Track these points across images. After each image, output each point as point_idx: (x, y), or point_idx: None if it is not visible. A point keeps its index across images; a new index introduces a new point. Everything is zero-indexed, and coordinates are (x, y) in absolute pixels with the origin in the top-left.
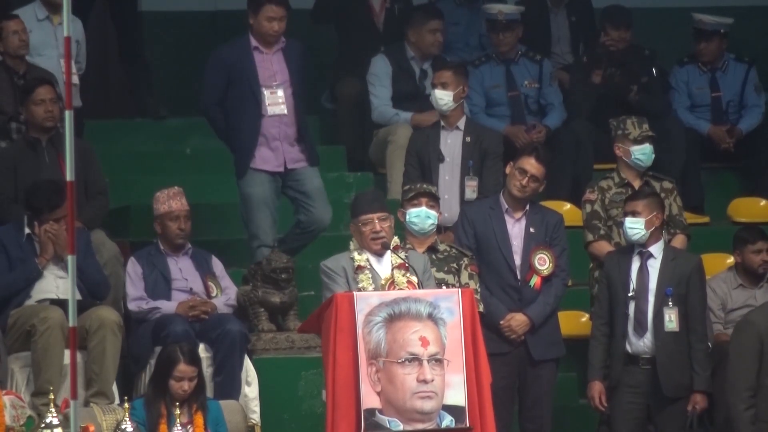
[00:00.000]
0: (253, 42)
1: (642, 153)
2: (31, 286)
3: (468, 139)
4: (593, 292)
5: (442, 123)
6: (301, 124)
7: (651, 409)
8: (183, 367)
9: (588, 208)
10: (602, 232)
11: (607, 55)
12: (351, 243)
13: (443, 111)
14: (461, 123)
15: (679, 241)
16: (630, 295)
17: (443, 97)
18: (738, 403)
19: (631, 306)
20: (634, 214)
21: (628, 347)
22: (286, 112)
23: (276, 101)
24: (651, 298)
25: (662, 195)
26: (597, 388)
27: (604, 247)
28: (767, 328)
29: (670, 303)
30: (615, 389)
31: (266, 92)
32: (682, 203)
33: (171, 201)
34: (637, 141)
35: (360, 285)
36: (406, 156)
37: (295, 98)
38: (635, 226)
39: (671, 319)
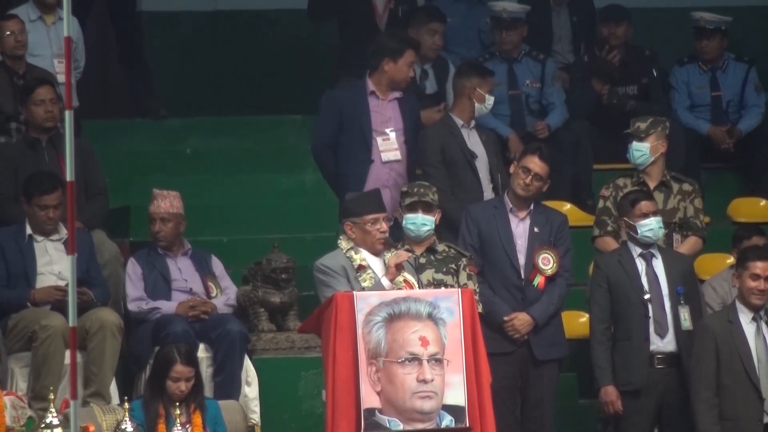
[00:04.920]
0: (370, 87)
1: (629, 151)
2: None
3: (484, 137)
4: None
5: (460, 121)
6: (411, 175)
7: (662, 409)
8: (180, 368)
9: (600, 203)
10: (609, 228)
11: (608, 54)
12: (342, 242)
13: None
14: (472, 122)
15: (691, 242)
16: (647, 297)
17: (641, 149)
18: (698, 403)
19: (650, 308)
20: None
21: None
22: (400, 157)
23: (389, 147)
24: (666, 299)
25: (680, 197)
26: (613, 393)
27: (609, 244)
28: (721, 330)
29: (682, 301)
30: (635, 392)
31: (378, 139)
32: (701, 206)
33: (151, 203)
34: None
35: (363, 284)
36: (429, 153)
37: (408, 147)
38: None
39: (685, 318)
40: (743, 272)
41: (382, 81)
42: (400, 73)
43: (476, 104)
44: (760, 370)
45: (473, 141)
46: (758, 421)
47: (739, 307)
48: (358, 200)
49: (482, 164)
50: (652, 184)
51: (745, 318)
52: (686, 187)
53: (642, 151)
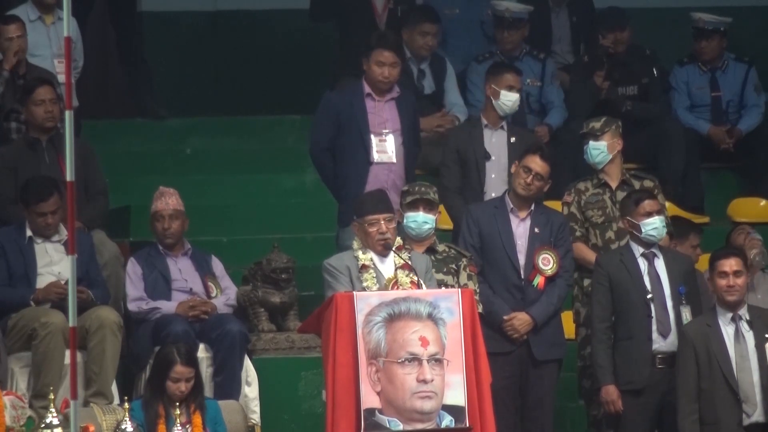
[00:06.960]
0: (366, 89)
1: (586, 152)
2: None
3: (513, 139)
4: (573, 292)
5: (485, 121)
6: (410, 175)
7: (663, 410)
8: (180, 369)
9: (565, 210)
10: (578, 234)
11: (607, 56)
12: (354, 242)
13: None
14: (504, 123)
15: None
16: (649, 297)
17: (599, 147)
18: (678, 410)
19: (653, 307)
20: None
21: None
22: (394, 160)
23: (384, 149)
24: (668, 299)
25: None
26: (614, 392)
27: (580, 249)
28: (699, 335)
29: (684, 301)
30: (637, 392)
31: (375, 139)
32: (665, 201)
33: (157, 201)
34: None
35: (365, 284)
36: (445, 152)
37: (405, 148)
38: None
39: (687, 318)
40: (713, 273)
41: (368, 81)
42: (371, 72)
43: (493, 101)
44: (738, 373)
45: (495, 142)
46: (737, 424)
47: (719, 310)
48: (360, 201)
49: (495, 166)
50: (613, 184)
51: (723, 321)
52: (647, 183)
53: (600, 149)
